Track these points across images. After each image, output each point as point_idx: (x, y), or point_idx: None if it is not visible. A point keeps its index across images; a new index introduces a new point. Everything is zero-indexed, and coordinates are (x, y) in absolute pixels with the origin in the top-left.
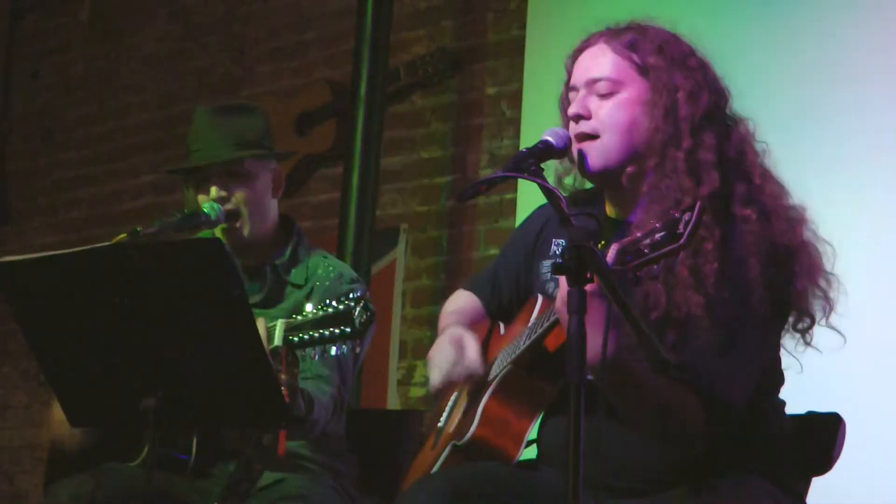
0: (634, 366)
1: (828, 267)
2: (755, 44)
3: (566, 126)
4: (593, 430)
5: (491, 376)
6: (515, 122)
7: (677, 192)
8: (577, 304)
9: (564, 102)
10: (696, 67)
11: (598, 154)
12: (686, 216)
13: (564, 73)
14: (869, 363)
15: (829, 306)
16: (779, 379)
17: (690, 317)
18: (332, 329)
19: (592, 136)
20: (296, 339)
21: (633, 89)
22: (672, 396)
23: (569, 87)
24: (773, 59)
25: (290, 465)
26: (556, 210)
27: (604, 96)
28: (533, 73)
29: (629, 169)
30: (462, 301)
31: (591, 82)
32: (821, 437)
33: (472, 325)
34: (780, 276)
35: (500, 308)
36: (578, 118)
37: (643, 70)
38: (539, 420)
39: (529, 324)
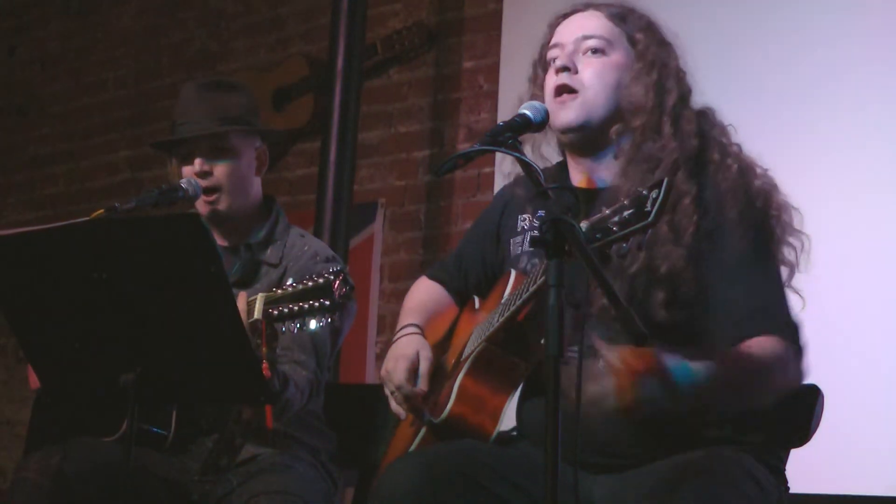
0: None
1: (798, 226)
2: (733, 38)
3: (537, 84)
4: (571, 407)
5: (466, 354)
6: (493, 96)
7: (660, 152)
8: (556, 276)
9: (540, 63)
10: (676, 54)
11: (578, 107)
12: (654, 193)
13: (545, 36)
14: (847, 335)
15: (794, 267)
16: None
17: (674, 271)
18: (311, 302)
19: (572, 91)
20: (276, 312)
21: (622, 54)
22: (760, 364)
23: (549, 46)
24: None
25: (267, 440)
26: (533, 183)
27: (593, 54)
28: (510, 47)
29: (615, 126)
30: (425, 294)
31: (582, 39)
32: (799, 409)
33: (435, 317)
34: (758, 218)
35: (468, 291)
36: (565, 69)
37: (632, 40)
38: (516, 395)
39: (503, 300)
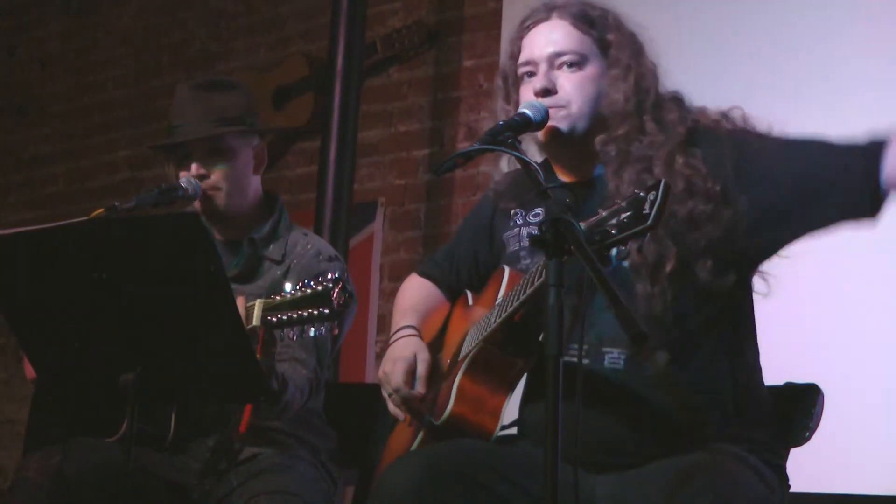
0: None
1: None
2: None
3: (511, 102)
4: (573, 406)
5: (463, 353)
6: (493, 95)
7: (649, 150)
8: (556, 276)
9: (511, 78)
10: (646, 46)
11: (563, 119)
12: (651, 195)
13: (512, 47)
14: (846, 334)
15: None
16: (755, 338)
17: (715, 241)
18: (310, 310)
19: (560, 107)
20: (274, 319)
21: (597, 65)
22: None
23: (519, 63)
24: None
25: (267, 439)
26: (532, 183)
27: (569, 70)
28: None
29: (599, 137)
30: (417, 292)
31: (554, 56)
32: (799, 409)
33: (428, 315)
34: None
35: (460, 287)
36: (546, 92)
37: (603, 45)
38: (516, 393)
39: (498, 300)
